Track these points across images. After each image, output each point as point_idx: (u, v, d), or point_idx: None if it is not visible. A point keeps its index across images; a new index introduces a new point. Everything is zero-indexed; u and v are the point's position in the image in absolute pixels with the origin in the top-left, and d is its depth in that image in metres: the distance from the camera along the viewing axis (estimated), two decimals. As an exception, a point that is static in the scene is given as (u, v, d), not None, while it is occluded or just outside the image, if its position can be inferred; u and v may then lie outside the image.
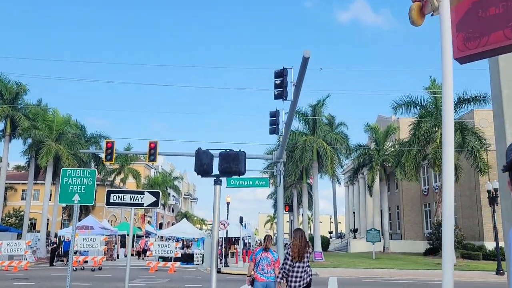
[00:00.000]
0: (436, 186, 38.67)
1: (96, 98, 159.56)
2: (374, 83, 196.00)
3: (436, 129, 30.96)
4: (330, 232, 73.58)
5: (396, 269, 25.56)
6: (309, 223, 65.47)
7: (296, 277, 7.56)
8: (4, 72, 35.26)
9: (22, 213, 43.91)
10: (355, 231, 53.99)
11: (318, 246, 33.78)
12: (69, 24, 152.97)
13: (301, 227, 53.16)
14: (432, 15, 3.73)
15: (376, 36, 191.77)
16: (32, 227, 47.68)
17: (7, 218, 46.60)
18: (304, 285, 7.61)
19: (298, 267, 7.57)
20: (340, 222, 70.31)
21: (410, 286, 17.94)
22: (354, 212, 59.54)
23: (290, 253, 7.60)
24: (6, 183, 37.43)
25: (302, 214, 48.56)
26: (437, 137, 30.04)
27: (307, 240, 8.00)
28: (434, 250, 34.20)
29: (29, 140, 35.17)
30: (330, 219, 77.53)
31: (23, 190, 49.12)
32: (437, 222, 32.55)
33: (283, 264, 7.71)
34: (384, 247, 40.56)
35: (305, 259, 7.62)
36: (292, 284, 7.56)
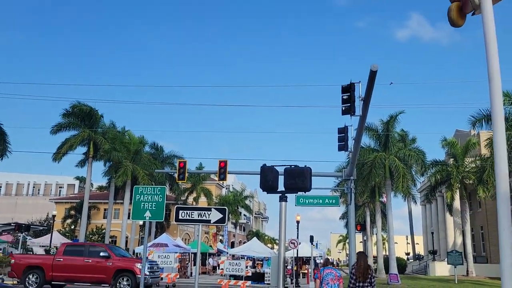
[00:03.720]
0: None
1: (164, 121, 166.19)
2: (444, 99, 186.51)
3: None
4: (407, 254, 70.20)
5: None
6: (383, 243, 62.78)
7: None
8: (79, 99, 38.08)
9: (104, 231, 46.64)
10: (434, 252, 50.85)
11: (393, 268, 32.14)
12: (134, 50, 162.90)
13: (375, 247, 51.15)
14: (473, 14, 3.48)
15: (438, 50, 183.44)
16: (113, 244, 50.33)
17: (90, 236, 49.69)
18: None
19: (362, 286, 8.18)
20: (417, 243, 66.67)
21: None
22: (432, 233, 56.16)
23: (355, 272, 8.26)
24: (89, 203, 40.07)
25: (376, 234, 46.74)
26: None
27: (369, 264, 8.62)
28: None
29: (109, 162, 37.46)
30: (407, 239, 74.07)
31: (105, 209, 52.17)
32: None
33: (349, 282, 8.36)
34: (467, 270, 37.63)
35: (368, 280, 8.19)
36: None
